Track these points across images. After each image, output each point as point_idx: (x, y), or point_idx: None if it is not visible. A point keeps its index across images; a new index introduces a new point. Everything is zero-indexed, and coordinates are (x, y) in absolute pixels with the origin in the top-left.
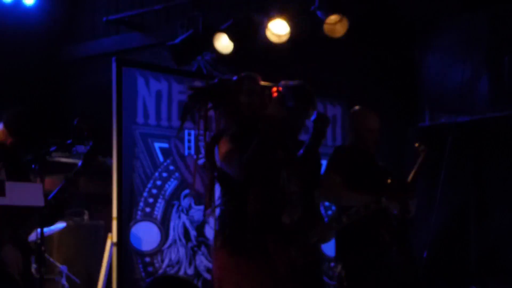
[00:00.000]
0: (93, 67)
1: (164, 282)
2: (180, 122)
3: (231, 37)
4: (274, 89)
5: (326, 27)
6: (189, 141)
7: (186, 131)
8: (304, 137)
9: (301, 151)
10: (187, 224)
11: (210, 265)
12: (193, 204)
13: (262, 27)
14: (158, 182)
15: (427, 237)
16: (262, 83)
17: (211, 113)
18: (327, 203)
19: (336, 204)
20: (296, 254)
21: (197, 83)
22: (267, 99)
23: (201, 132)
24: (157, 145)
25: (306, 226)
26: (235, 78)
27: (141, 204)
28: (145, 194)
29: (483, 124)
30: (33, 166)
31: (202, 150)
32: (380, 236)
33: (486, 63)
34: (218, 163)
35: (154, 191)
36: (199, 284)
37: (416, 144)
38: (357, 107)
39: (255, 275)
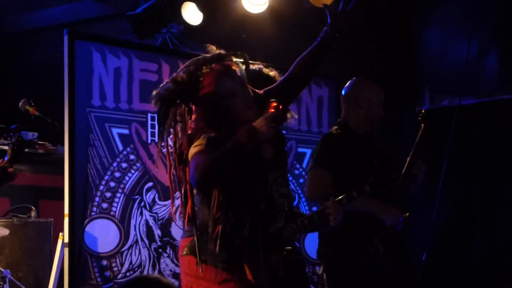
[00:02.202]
0: (41, 41)
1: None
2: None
3: (201, 7)
4: (274, 104)
5: None
6: (152, 126)
7: (149, 115)
8: None
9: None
10: (151, 222)
11: (176, 269)
12: (157, 199)
13: None
14: (117, 174)
15: (426, 238)
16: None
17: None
18: None
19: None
20: (276, 261)
21: (163, 85)
22: (252, 100)
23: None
24: (115, 131)
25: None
26: (206, 73)
27: (97, 199)
28: (101, 187)
29: (491, 107)
30: None
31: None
32: (373, 247)
33: (495, 38)
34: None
35: (112, 184)
36: None
37: (416, 110)
38: (357, 78)
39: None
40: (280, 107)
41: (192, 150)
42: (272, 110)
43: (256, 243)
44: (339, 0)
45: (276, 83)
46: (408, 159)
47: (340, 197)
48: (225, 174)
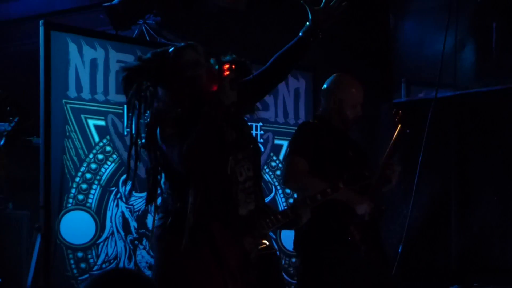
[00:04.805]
0: (16, 32)
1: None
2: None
3: None
4: (226, 66)
5: None
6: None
7: (125, 107)
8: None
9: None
10: (127, 213)
11: (152, 260)
12: (133, 191)
13: None
14: (93, 166)
15: (402, 230)
16: (208, 54)
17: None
18: (288, 190)
19: (301, 193)
20: (250, 245)
21: (130, 62)
22: (215, 73)
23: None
24: (91, 122)
25: (257, 215)
26: (171, 49)
27: (73, 190)
28: (77, 179)
29: (467, 100)
30: None
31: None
32: (349, 235)
33: (471, 31)
34: (160, 144)
35: (88, 175)
36: None
37: (393, 111)
38: (340, 74)
39: (202, 269)
40: (233, 66)
41: (164, 133)
42: (227, 73)
43: (227, 223)
44: None
45: (252, 75)
46: (383, 159)
47: (314, 194)
48: (209, 150)
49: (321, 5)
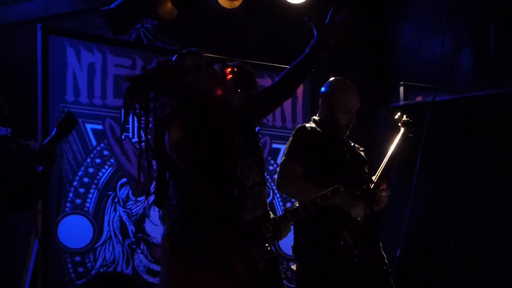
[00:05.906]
0: (14, 36)
1: (105, 280)
2: (123, 120)
3: (176, 2)
4: (228, 69)
5: None
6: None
7: (123, 111)
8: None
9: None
10: (124, 217)
11: (150, 265)
12: (131, 195)
13: None
14: (91, 170)
15: (400, 233)
16: (210, 57)
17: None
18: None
19: (296, 198)
20: (257, 255)
21: (134, 72)
22: (219, 76)
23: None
24: (89, 126)
25: (262, 221)
26: (174, 58)
27: (71, 195)
28: (75, 183)
29: (464, 103)
30: None
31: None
32: (342, 240)
33: (469, 34)
34: (168, 151)
35: (86, 179)
36: None
37: (397, 115)
38: (336, 79)
39: (211, 280)
40: (235, 69)
41: (172, 139)
42: (230, 76)
43: (235, 230)
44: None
45: (260, 89)
46: (383, 166)
47: (315, 197)
48: (219, 157)
49: (326, 20)
